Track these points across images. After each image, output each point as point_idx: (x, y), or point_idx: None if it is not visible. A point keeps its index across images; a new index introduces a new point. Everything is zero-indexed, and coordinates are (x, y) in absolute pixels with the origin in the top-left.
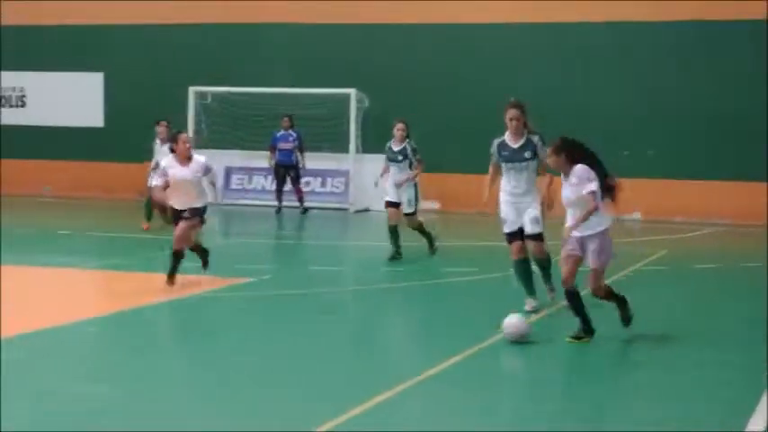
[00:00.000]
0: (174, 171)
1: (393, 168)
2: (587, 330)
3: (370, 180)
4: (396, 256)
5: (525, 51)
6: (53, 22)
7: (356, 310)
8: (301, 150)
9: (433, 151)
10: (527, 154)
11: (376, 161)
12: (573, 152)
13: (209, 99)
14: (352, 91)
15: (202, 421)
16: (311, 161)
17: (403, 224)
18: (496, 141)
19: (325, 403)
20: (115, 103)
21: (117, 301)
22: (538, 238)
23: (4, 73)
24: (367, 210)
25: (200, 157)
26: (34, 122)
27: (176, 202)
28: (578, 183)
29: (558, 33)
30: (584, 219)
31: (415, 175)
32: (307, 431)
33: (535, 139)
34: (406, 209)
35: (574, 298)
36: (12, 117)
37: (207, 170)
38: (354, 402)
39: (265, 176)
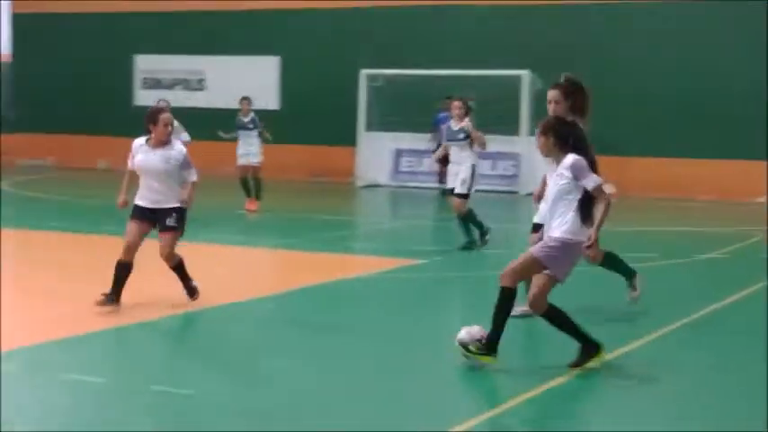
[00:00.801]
0: (143, 157)
1: (454, 148)
2: (493, 345)
3: (541, 163)
4: (470, 244)
5: (696, 29)
6: (232, 8)
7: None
8: None
9: (608, 134)
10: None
11: None
12: (567, 136)
13: (380, 82)
14: (524, 72)
15: (392, 395)
16: None
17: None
18: None
19: (507, 381)
20: (290, 87)
21: (293, 279)
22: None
23: (185, 57)
24: None
25: (180, 145)
26: (213, 105)
27: (141, 197)
28: (568, 175)
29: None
30: (602, 221)
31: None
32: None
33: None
34: (458, 188)
35: (508, 297)
36: (191, 100)
37: (186, 164)
38: (531, 385)
39: None
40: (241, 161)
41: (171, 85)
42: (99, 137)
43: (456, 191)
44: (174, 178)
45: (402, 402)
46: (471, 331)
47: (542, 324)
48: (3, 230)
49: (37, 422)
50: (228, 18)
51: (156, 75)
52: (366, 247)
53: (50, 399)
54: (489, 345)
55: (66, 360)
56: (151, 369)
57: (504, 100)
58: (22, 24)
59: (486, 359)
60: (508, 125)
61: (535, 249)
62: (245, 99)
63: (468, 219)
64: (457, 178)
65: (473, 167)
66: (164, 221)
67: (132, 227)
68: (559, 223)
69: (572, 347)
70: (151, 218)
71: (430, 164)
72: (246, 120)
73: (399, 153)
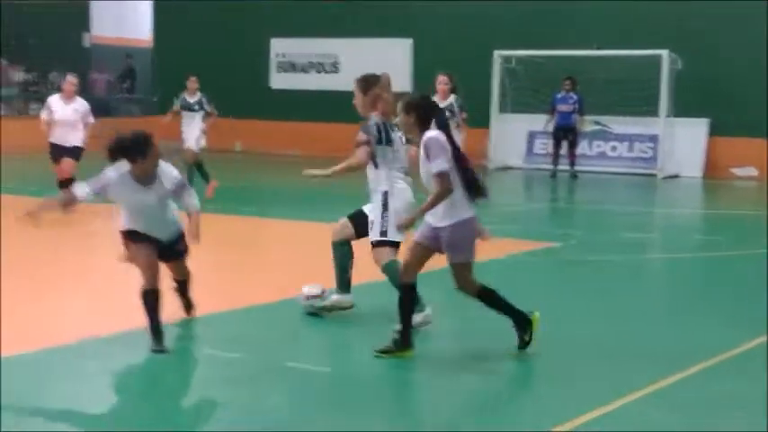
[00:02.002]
0: (131, 196)
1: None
2: (405, 341)
3: (680, 145)
4: None
5: None
6: None
7: (666, 278)
8: (581, 113)
9: (751, 115)
10: None
11: (690, 125)
12: (428, 114)
13: (514, 63)
14: (664, 52)
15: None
16: (618, 125)
17: None
18: None
19: (643, 367)
20: (422, 69)
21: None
22: None
23: (319, 40)
24: (677, 176)
25: (168, 167)
26: (347, 88)
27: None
28: (426, 156)
29: None
30: (432, 205)
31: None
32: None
33: None
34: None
35: (407, 293)
36: (324, 82)
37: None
38: (669, 372)
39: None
40: (186, 144)
41: (305, 69)
42: (235, 119)
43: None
44: (169, 207)
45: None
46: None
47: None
48: None
49: (172, 394)
50: (362, 1)
51: (291, 58)
52: (500, 229)
53: (187, 371)
54: (403, 341)
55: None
56: (287, 346)
57: (641, 80)
58: (162, 9)
59: (406, 353)
60: (646, 106)
61: (447, 257)
62: (193, 77)
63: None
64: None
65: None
66: (173, 249)
67: (142, 248)
68: (447, 212)
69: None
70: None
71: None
72: (192, 100)
73: (533, 135)
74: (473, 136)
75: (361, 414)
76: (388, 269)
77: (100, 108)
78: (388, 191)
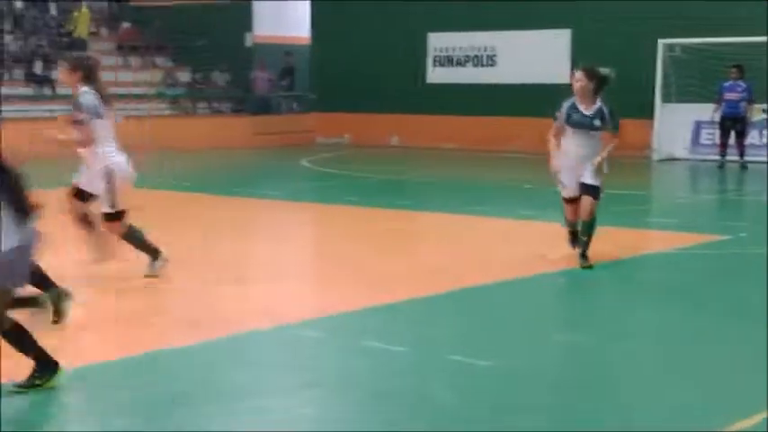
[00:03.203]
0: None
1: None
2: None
3: None
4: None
5: None
6: None
7: None
8: (750, 102)
9: None
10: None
11: None
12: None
13: (678, 51)
14: None
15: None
16: None
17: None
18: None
19: None
20: (582, 60)
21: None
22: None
23: (477, 33)
24: None
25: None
26: (503, 81)
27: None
28: None
29: None
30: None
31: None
32: None
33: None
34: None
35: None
36: (482, 76)
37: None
38: None
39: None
40: None
41: (462, 62)
42: (392, 114)
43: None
44: None
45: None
46: None
47: None
48: (302, 203)
49: (337, 384)
50: None
51: (448, 52)
52: (666, 222)
53: (349, 364)
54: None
55: (368, 328)
56: (450, 339)
57: None
58: (321, 8)
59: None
60: None
61: None
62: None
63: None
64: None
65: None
66: None
67: None
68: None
69: None
70: None
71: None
72: None
73: (699, 125)
74: (637, 127)
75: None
76: None
77: (261, 105)
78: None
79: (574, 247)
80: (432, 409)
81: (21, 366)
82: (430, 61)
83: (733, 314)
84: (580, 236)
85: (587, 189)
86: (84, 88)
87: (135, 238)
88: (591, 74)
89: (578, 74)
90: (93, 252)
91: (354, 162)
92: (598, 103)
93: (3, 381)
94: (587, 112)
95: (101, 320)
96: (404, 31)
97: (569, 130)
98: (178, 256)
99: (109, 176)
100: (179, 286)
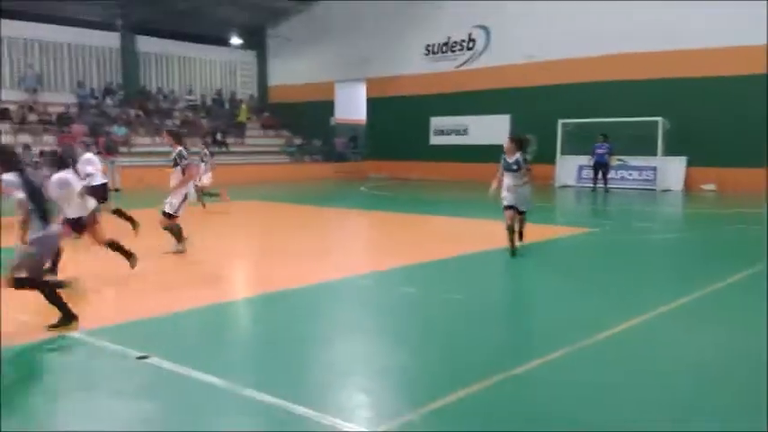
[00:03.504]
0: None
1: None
2: (67, 317)
3: (669, 171)
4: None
5: None
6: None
7: (656, 250)
8: (611, 154)
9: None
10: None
11: (675, 161)
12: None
13: (570, 126)
14: (659, 118)
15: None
16: (633, 161)
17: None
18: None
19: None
20: (515, 130)
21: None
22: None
23: (457, 117)
24: (668, 189)
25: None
26: (472, 143)
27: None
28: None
29: None
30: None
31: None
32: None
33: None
34: None
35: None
36: (460, 140)
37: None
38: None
39: None
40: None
41: (449, 132)
42: (411, 161)
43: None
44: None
45: None
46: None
47: None
48: (360, 210)
49: (381, 308)
50: (480, 92)
51: (442, 127)
52: (562, 220)
53: (388, 298)
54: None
55: (396, 279)
56: (440, 284)
57: (645, 135)
58: (371, 102)
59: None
60: (649, 149)
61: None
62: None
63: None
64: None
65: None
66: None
67: None
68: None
69: None
70: None
71: None
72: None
73: (581, 167)
74: (547, 168)
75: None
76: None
77: (339, 156)
78: None
79: (511, 239)
80: (427, 319)
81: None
82: (432, 132)
83: (595, 269)
84: (511, 234)
85: (519, 211)
86: (179, 148)
87: (174, 231)
88: (513, 138)
89: (507, 140)
90: (177, 245)
91: (391, 188)
92: (517, 155)
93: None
94: (510, 160)
95: (243, 278)
96: (417, 115)
97: (505, 171)
98: (289, 238)
99: (183, 197)
100: (288, 256)
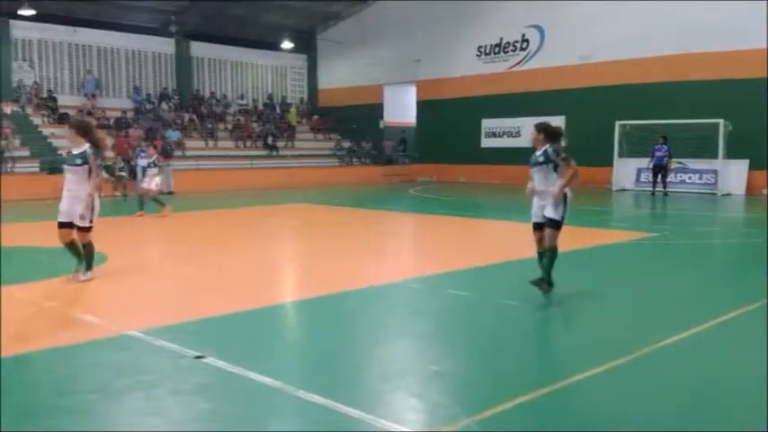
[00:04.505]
0: None
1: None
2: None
3: (731, 175)
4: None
5: None
6: None
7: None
8: (670, 157)
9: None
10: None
11: (737, 164)
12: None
13: (628, 128)
14: (720, 120)
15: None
16: (693, 164)
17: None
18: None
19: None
20: (570, 135)
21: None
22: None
23: (508, 119)
24: (729, 194)
25: None
26: (524, 145)
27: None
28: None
29: None
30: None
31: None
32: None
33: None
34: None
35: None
36: (512, 142)
37: None
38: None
39: None
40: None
41: (500, 135)
42: (460, 165)
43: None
44: None
45: None
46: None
47: None
48: (409, 213)
49: (432, 311)
50: (535, 93)
51: (493, 129)
52: (619, 224)
53: (437, 302)
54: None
55: (446, 282)
56: (494, 290)
57: (707, 137)
58: (420, 105)
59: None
60: (709, 152)
61: None
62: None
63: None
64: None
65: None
66: None
67: None
68: None
69: None
70: None
71: None
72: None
73: (639, 170)
74: (604, 171)
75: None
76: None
77: (388, 160)
78: None
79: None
80: (481, 323)
81: None
82: (483, 134)
83: (655, 274)
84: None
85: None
86: (86, 146)
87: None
88: (539, 127)
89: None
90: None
91: (439, 191)
92: (546, 147)
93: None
94: (537, 153)
95: (306, 280)
96: (468, 117)
97: (531, 169)
98: (340, 241)
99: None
100: (339, 259)
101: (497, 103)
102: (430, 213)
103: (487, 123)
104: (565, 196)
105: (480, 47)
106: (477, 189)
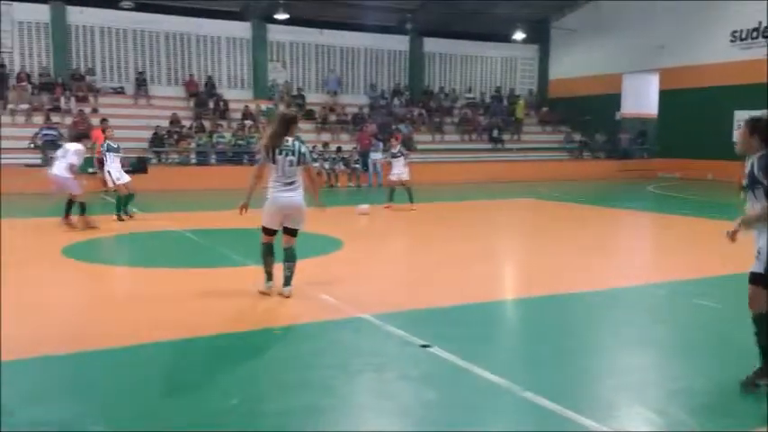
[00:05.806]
0: None
1: None
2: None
3: None
4: None
5: None
6: None
7: None
8: None
9: None
10: None
11: None
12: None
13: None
14: None
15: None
16: None
17: None
18: None
19: None
20: None
21: None
22: None
23: None
24: None
25: None
26: None
27: None
28: None
29: None
30: None
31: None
32: None
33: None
34: None
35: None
36: None
37: None
38: None
39: None
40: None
41: None
42: (708, 160)
43: None
44: None
45: None
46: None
47: None
48: (648, 213)
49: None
50: None
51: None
52: None
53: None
54: None
55: (694, 291)
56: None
57: None
58: (663, 95)
59: None
60: None
61: None
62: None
63: None
64: None
65: None
66: None
67: None
68: None
69: None
70: None
71: None
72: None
73: None
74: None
75: None
76: None
77: (624, 154)
78: None
79: None
80: (724, 336)
81: None
82: (735, 127)
83: None
84: None
85: None
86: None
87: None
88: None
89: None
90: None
91: (684, 189)
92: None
93: None
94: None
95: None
96: (718, 108)
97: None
98: (568, 239)
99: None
100: (568, 258)
101: (754, 94)
102: (673, 213)
103: (741, 116)
104: None
105: (735, 32)
106: (729, 188)
